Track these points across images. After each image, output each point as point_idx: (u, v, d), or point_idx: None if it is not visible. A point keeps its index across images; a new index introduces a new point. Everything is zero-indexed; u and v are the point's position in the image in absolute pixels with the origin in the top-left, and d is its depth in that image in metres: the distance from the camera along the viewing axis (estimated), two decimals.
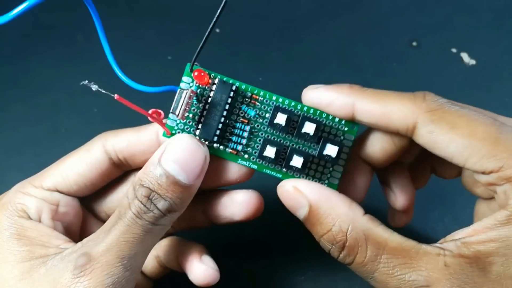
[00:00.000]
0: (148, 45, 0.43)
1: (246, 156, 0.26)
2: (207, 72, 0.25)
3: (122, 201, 0.23)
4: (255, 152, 0.25)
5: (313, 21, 0.45)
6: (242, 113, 0.25)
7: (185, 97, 0.23)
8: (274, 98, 0.25)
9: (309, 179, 0.26)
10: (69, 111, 0.40)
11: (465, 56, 0.42)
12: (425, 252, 0.22)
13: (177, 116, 0.24)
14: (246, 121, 0.25)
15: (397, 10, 0.45)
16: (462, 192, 0.28)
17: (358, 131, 0.26)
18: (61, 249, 0.23)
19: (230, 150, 0.26)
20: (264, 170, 0.26)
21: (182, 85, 0.25)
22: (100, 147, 0.26)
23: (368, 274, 0.22)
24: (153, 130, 0.26)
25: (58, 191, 0.26)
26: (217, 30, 0.44)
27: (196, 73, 0.24)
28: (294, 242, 0.35)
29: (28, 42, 0.43)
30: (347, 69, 0.42)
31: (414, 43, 0.43)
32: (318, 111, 0.25)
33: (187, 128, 0.25)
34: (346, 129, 0.25)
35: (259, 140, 0.25)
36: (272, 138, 0.25)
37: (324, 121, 0.25)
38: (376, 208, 0.28)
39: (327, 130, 0.26)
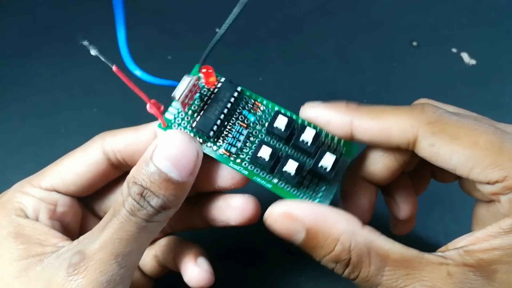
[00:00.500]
0: (148, 45, 0.43)
1: (238, 160, 0.25)
2: (215, 74, 0.25)
3: (117, 199, 0.23)
4: (248, 158, 0.25)
5: (313, 21, 0.45)
6: (242, 117, 0.25)
7: (188, 84, 0.23)
8: (276, 108, 0.25)
9: (301, 192, 0.25)
10: (69, 111, 0.40)
11: (465, 56, 0.42)
12: (427, 261, 0.21)
13: (178, 99, 0.23)
14: (245, 125, 0.25)
15: (397, 10, 0.45)
16: (462, 192, 0.28)
17: (356, 153, 0.25)
18: (58, 247, 0.23)
19: (223, 151, 0.25)
20: (254, 178, 0.25)
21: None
22: (98, 148, 0.26)
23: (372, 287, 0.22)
24: (151, 130, 0.26)
25: (56, 191, 0.26)
26: (217, 30, 0.44)
27: (204, 69, 0.24)
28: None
29: (28, 42, 0.43)
30: (347, 69, 0.42)
31: (414, 43, 0.43)
32: (318, 127, 0.25)
33: (184, 123, 0.25)
34: (344, 150, 0.25)
35: (254, 147, 0.25)
36: (269, 141, 0.25)
37: (323, 134, 0.25)
38: (378, 216, 0.28)
39: (326, 143, 0.25)
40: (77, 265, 0.21)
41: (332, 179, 0.24)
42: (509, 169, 0.21)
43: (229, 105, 0.25)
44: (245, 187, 0.26)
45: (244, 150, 0.25)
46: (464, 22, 0.44)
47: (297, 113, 0.25)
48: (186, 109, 0.25)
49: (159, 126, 0.25)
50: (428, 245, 0.35)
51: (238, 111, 0.25)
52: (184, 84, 0.23)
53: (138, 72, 0.22)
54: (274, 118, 0.24)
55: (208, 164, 0.25)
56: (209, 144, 0.25)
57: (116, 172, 0.27)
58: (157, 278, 0.30)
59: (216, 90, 0.25)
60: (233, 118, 0.25)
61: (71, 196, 0.26)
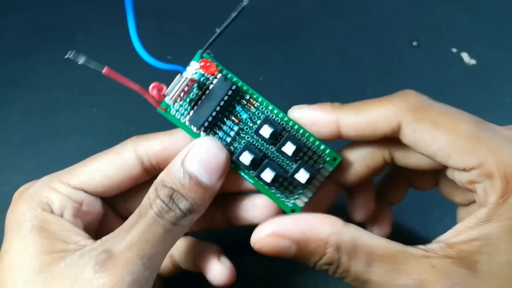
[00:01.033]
0: (148, 45, 0.43)
1: None
2: (215, 63, 0.25)
3: (143, 202, 0.24)
4: (235, 152, 0.26)
5: (313, 21, 0.45)
6: (235, 112, 0.25)
7: (182, 84, 0.24)
8: (270, 108, 0.25)
9: (279, 192, 0.26)
10: (68, 111, 0.40)
11: (465, 56, 0.42)
12: (411, 255, 0.22)
13: (170, 99, 0.24)
14: (237, 121, 0.25)
15: (397, 10, 0.45)
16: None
17: (339, 162, 0.26)
18: (80, 246, 0.23)
19: None
20: (239, 171, 0.26)
21: (187, 68, 0.25)
22: (131, 152, 0.26)
23: (361, 285, 0.22)
24: (186, 134, 0.26)
25: (83, 190, 0.26)
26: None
27: (202, 63, 0.25)
28: None
29: (28, 41, 0.43)
30: (347, 69, 0.42)
31: (414, 43, 0.43)
32: (307, 133, 0.25)
33: (181, 110, 0.25)
34: (328, 159, 0.26)
35: (243, 143, 0.26)
36: (255, 144, 0.26)
37: (309, 145, 0.25)
38: None
39: (309, 154, 0.26)
40: (104, 263, 0.22)
41: (309, 188, 0.26)
42: (485, 157, 0.21)
43: (222, 103, 0.25)
44: None
45: (233, 145, 0.26)
46: (464, 22, 0.44)
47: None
48: (182, 101, 0.25)
49: (158, 111, 0.25)
50: None
51: (232, 105, 0.25)
52: (178, 86, 0.24)
53: (146, 57, 0.23)
54: (260, 126, 0.25)
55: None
56: (202, 134, 0.26)
57: (146, 176, 0.27)
58: (167, 279, 0.30)
59: (211, 85, 0.25)
60: (227, 112, 0.26)
61: (97, 197, 0.27)
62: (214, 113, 0.25)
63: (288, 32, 0.44)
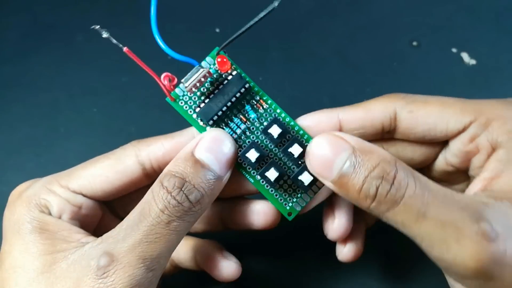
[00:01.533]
0: (148, 44, 0.43)
1: None
2: (230, 62, 0.25)
3: (145, 197, 0.23)
4: (240, 151, 0.26)
5: (313, 21, 0.45)
6: (244, 111, 0.26)
7: (199, 75, 0.24)
8: (278, 111, 0.26)
9: (278, 193, 0.26)
10: (68, 111, 0.40)
11: (465, 56, 0.42)
12: (472, 201, 0.22)
13: (186, 87, 0.24)
14: (245, 119, 0.26)
15: (397, 10, 0.45)
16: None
17: None
18: (81, 243, 0.23)
19: None
20: (240, 169, 0.26)
21: (203, 63, 0.26)
22: (132, 157, 0.26)
23: (419, 211, 0.21)
24: (189, 135, 0.26)
25: (82, 194, 0.26)
26: (217, 30, 0.44)
27: (219, 59, 0.25)
28: (297, 242, 0.35)
29: (28, 42, 0.43)
30: (347, 69, 0.42)
31: (414, 43, 0.43)
32: (311, 139, 0.25)
33: (190, 103, 0.26)
34: None
35: (248, 142, 0.26)
36: (260, 144, 0.26)
37: None
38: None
39: None
40: (106, 268, 0.22)
41: (308, 191, 0.26)
42: (478, 110, 0.25)
43: (233, 99, 0.25)
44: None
45: (239, 143, 0.26)
46: (464, 22, 0.44)
47: (298, 115, 0.27)
48: (193, 91, 0.25)
49: (167, 100, 0.26)
50: None
51: (242, 104, 0.26)
52: (195, 76, 0.24)
53: (163, 46, 0.25)
54: (269, 125, 0.25)
55: (236, 171, 0.26)
56: (208, 128, 0.26)
57: (147, 181, 0.27)
58: (164, 279, 0.30)
59: (225, 81, 0.26)
60: (236, 110, 0.26)
61: (95, 200, 0.27)
62: (224, 108, 0.25)
63: (288, 32, 0.44)
